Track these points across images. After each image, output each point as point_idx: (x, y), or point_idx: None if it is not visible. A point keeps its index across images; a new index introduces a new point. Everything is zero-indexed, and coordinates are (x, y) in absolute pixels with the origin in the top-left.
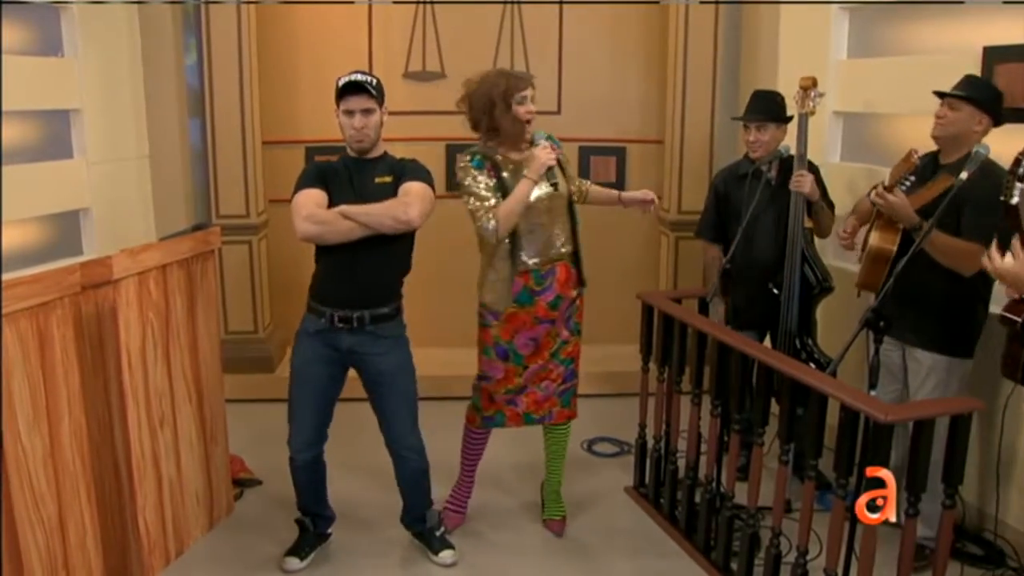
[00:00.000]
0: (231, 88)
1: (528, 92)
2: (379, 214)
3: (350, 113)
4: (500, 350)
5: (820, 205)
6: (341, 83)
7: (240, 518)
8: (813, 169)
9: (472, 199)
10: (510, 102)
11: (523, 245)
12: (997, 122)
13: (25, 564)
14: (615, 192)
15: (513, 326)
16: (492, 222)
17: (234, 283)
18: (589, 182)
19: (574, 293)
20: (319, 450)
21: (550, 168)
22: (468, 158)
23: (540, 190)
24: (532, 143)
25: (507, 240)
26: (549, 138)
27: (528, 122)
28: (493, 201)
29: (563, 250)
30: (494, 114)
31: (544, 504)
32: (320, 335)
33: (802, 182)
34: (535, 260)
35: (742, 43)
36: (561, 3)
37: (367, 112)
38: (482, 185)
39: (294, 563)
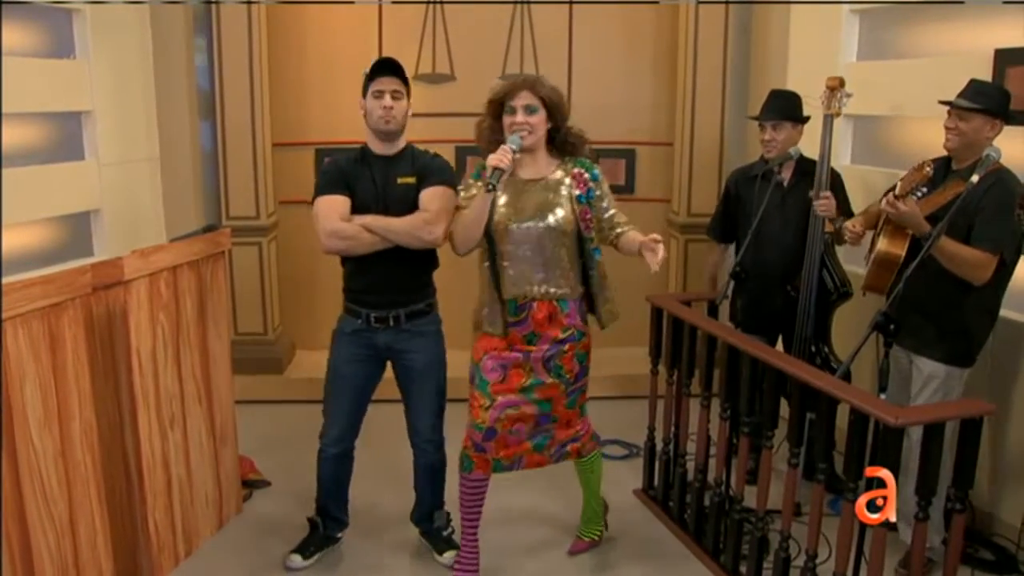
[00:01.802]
0: (241, 90)
1: (517, 103)
2: (403, 232)
3: (380, 94)
4: (473, 373)
5: (839, 224)
6: (373, 62)
7: (249, 519)
8: (835, 176)
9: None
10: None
11: (501, 273)
12: (1008, 121)
13: (36, 564)
14: (643, 240)
15: (483, 345)
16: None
17: (244, 285)
18: (627, 228)
19: (562, 335)
20: (350, 444)
21: (496, 171)
22: (476, 168)
23: (501, 199)
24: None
25: (487, 263)
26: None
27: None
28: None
29: (538, 289)
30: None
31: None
32: (357, 335)
33: (827, 207)
34: (510, 291)
35: (752, 46)
36: (571, 3)
37: (396, 95)
38: (465, 195)
39: (297, 561)
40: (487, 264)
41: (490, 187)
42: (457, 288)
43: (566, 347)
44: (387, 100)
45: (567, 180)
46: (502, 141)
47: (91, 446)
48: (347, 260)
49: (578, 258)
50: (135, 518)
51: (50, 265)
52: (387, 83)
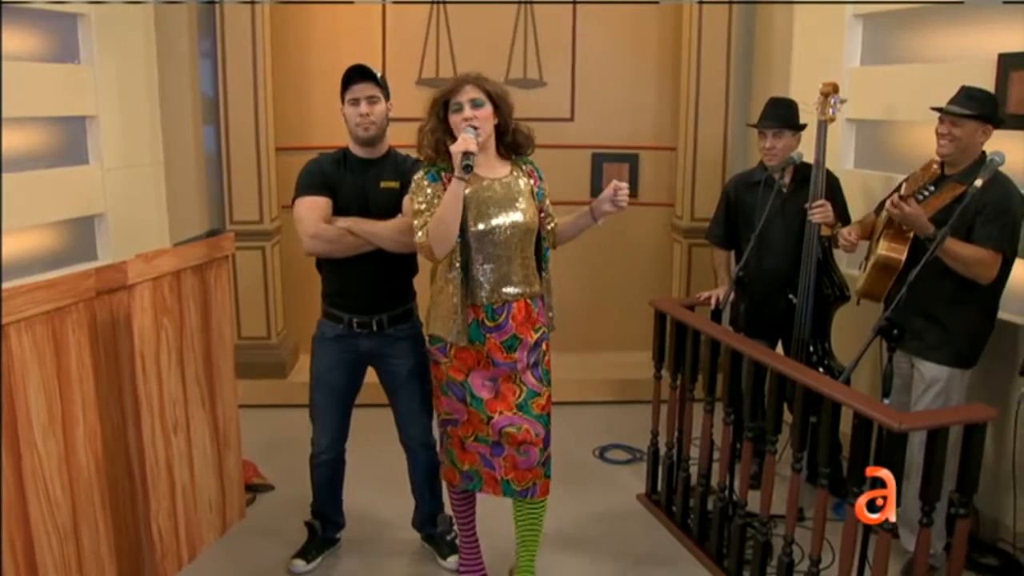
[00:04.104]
0: (245, 95)
1: (462, 97)
2: (387, 236)
3: (355, 102)
4: (456, 390)
5: (836, 231)
6: (345, 71)
7: (252, 523)
8: (832, 180)
9: (414, 219)
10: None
11: (476, 277)
12: (997, 126)
13: (39, 568)
14: (584, 208)
15: (464, 364)
16: (421, 235)
17: (247, 289)
18: (555, 221)
19: (535, 335)
20: (342, 447)
21: (467, 155)
22: (423, 172)
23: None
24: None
25: (458, 267)
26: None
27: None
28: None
29: (516, 290)
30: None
31: None
32: (339, 340)
33: (824, 213)
34: (485, 294)
35: (755, 50)
36: (575, 3)
37: (372, 100)
38: (420, 197)
39: (300, 565)
40: (456, 270)
41: (467, 168)
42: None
43: (544, 347)
44: (363, 107)
45: (523, 178)
46: (445, 142)
47: (95, 450)
48: (325, 264)
49: (535, 257)
50: (138, 523)
51: (54, 269)
52: (361, 90)
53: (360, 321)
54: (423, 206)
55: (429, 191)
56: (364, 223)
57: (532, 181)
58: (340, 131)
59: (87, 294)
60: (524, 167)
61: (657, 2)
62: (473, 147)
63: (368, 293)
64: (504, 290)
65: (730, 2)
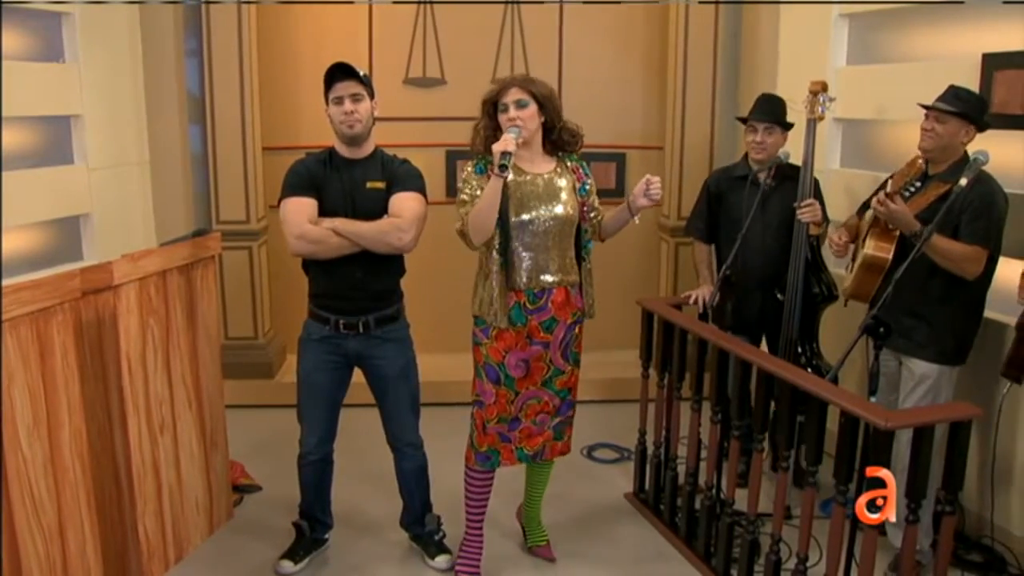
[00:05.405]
0: (231, 94)
1: (508, 99)
2: (373, 237)
3: (339, 100)
4: (491, 372)
5: (823, 231)
6: (327, 69)
7: (240, 524)
8: (813, 181)
9: (458, 208)
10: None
11: (515, 263)
12: (982, 129)
13: (25, 571)
14: (623, 204)
15: (504, 345)
16: (458, 223)
17: (234, 289)
18: (601, 215)
19: (571, 319)
20: (330, 448)
21: (504, 155)
22: (472, 164)
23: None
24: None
25: (496, 254)
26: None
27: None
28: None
29: (553, 279)
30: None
31: (527, 532)
32: (325, 341)
33: (812, 213)
34: (524, 280)
35: (742, 50)
36: (561, 3)
37: (356, 98)
38: (466, 189)
39: (288, 566)
40: (496, 257)
41: (503, 167)
42: (423, 294)
43: (576, 330)
44: (347, 105)
45: (568, 174)
46: (496, 139)
47: (80, 452)
48: (312, 265)
49: (574, 248)
50: (125, 524)
51: (39, 270)
52: (344, 88)
53: (346, 323)
54: (467, 196)
55: (475, 182)
56: (350, 224)
57: (576, 177)
58: (327, 131)
59: (72, 295)
60: (569, 164)
61: (656, 1)
62: (511, 147)
63: (355, 294)
64: (542, 278)
65: (717, 2)
